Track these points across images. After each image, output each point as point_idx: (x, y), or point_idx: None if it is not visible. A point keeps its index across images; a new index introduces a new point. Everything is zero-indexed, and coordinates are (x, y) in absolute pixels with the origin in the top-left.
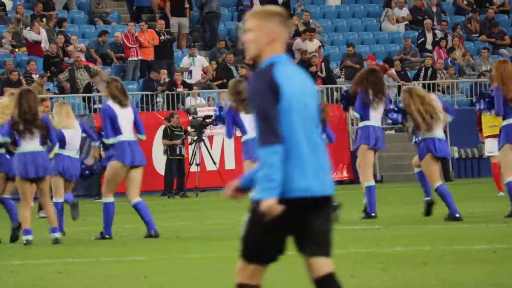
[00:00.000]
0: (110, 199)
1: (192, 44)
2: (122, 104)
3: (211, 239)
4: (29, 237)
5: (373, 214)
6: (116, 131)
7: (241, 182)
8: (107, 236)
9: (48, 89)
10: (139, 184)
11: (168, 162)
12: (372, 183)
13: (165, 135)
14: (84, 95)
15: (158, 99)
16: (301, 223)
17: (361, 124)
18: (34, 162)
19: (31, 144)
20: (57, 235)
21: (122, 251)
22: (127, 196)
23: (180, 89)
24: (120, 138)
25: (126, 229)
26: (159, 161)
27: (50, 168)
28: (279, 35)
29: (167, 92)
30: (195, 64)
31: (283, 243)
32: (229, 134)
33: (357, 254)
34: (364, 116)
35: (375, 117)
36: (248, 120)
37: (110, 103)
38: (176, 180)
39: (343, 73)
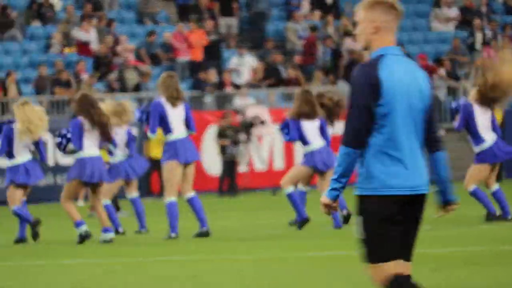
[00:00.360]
0: (171, 198)
1: (240, 44)
2: (173, 103)
3: (260, 239)
4: (83, 228)
5: None
6: (167, 129)
7: (330, 196)
8: (173, 235)
9: (97, 89)
10: (192, 178)
11: (222, 162)
12: None
13: (219, 134)
14: (133, 95)
15: (206, 99)
16: (395, 221)
17: None
18: (94, 168)
19: (92, 149)
20: (111, 235)
21: (170, 250)
22: (182, 191)
23: (229, 89)
24: (171, 137)
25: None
26: (208, 161)
27: (105, 173)
28: (383, 24)
29: (216, 92)
30: (244, 64)
31: (397, 238)
32: (293, 139)
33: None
34: None
35: None
36: (311, 129)
37: (163, 100)
38: (227, 180)
39: None
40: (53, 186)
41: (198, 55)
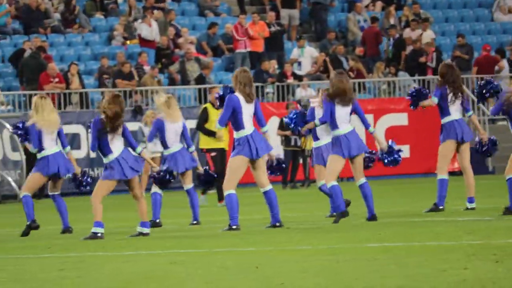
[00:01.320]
0: (231, 191)
1: (300, 36)
2: (248, 98)
3: (321, 231)
4: (100, 230)
5: (440, 207)
6: (238, 125)
7: None
8: (234, 227)
9: (159, 81)
10: (265, 171)
11: (284, 153)
12: (445, 176)
13: (280, 126)
14: (195, 86)
15: (268, 90)
16: None
17: (444, 120)
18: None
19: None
20: (146, 230)
21: (233, 242)
22: (258, 185)
23: (290, 80)
24: (242, 133)
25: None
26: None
27: (140, 167)
28: None
29: (277, 83)
30: (304, 55)
31: None
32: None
33: (470, 246)
34: (445, 111)
35: (455, 110)
36: (341, 114)
37: (238, 94)
38: (291, 171)
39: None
40: None
41: (259, 47)
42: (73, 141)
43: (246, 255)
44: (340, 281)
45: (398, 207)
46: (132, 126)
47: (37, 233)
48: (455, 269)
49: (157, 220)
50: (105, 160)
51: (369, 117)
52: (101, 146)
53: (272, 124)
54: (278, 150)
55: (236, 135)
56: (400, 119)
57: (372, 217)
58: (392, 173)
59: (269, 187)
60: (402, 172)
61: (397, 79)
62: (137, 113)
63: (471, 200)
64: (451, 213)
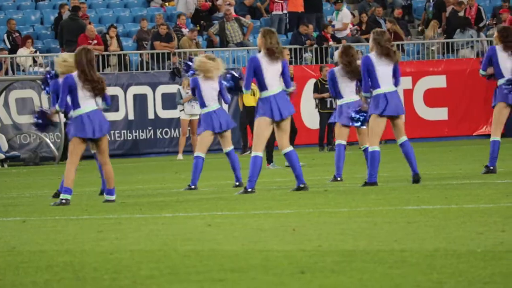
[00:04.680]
0: (258, 153)
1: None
2: (272, 58)
3: (359, 193)
4: (67, 196)
5: (491, 168)
6: (262, 86)
7: None
8: (249, 190)
9: (197, 43)
10: (288, 133)
11: (320, 116)
12: (497, 138)
13: (315, 89)
14: (234, 49)
15: (306, 54)
16: None
17: (499, 82)
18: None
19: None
20: (109, 197)
21: (270, 204)
22: (279, 146)
23: (331, 43)
24: (264, 93)
25: (275, 182)
26: (308, 115)
27: (107, 128)
28: None
29: (315, 45)
30: (337, 19)
31: None
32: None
33: (508, 208)
34: (498, 73)
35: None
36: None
37: (260, 55)
38: (327, 133)
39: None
40: (154, 140)
41: (299, 7)
42: (111, 103)
43: (283, 218)
44: (378, 243)
45: (436, 169)
46: (170, 88)
47: (74, 195)
48: (492, 232)
49: (193, 186)
50: (71, 113)
51: (408, 80)
52: (70, 100)
53: (309, 86)
54: (313, 113)
55: (260, 95)
56: (439, 81)
57: (415, 176)
58: (430, 135)
59: (288, 149)
60: (440, 135)
61: (435, 41)
62: (175, 75)
63: None
64: (490, 176)
